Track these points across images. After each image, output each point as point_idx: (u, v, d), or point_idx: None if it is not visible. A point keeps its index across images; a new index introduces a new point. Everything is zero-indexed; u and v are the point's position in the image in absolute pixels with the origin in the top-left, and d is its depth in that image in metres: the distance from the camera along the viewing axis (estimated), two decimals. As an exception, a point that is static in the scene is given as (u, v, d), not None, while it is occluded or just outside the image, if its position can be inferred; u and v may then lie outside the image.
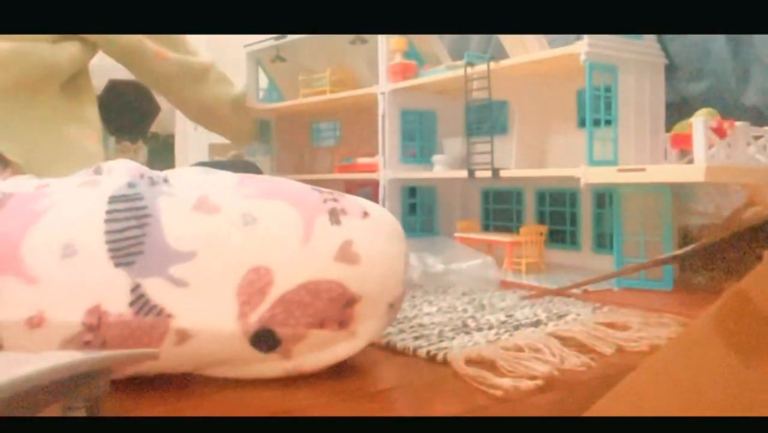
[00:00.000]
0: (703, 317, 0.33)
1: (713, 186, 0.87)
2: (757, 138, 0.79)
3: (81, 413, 0.35)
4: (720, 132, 0.75)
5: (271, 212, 0.45)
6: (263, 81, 1.50)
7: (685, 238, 0.87)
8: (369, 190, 1.23)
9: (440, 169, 1.09)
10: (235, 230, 0.43)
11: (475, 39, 1.29)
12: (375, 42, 1.16)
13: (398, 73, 1.12)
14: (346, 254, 0.45)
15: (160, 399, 0.42)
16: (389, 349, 0.55)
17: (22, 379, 0.30)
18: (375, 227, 0.47)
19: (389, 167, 1.13)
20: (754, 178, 0.78)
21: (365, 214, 0.47)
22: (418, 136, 1.17)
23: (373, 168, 1.16)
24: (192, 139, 2.39)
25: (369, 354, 0.54)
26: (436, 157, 1.10)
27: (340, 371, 0.47)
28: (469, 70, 0.99)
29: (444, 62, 1.15)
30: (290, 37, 1.33)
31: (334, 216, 0.46)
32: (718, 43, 0.96)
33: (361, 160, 1.22)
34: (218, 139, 2.32)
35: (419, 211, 1.17)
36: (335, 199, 0.47)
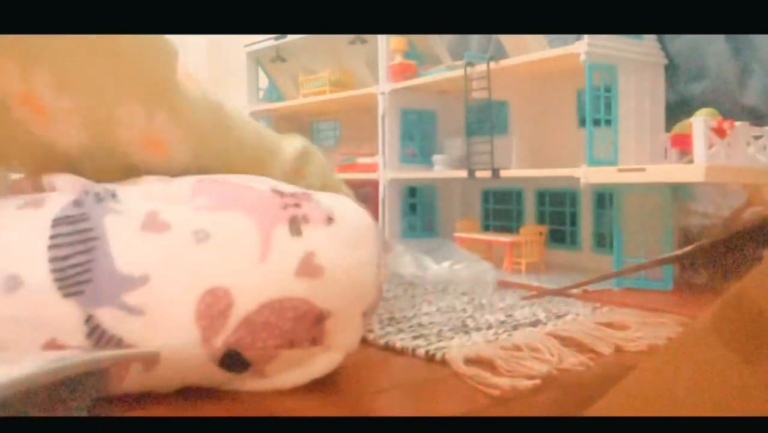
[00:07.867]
0: (703, 317, 0.33)
1: (713, 186, 0.87)
2: (757, 138, 0.79)
3: (81, 413, 0.35)
4: (720, 132, 0.75)
5: (225, 226, 0.42)
6: (263, 81, 1.50)
7: (685, 238, 0.87)
8: (369, 190, 1.23)
9: (440, 169, 1.09)
10: (188, 249, 0.41)
11: (475, 39, 1.28)
12: (375, 42, 1.16)
13: (398, 73, 1.12)
14: (308, 268, 0.41)
15: (159, 399, 0.42)
16: (389, 349, 0.55)
17: (20, 379, 0.30)
18: (340, 233, 0.44)
19: (389, 167, 1.13)
20: (754, 178, 0.78)
21: (329, 219, 0.44)
22: (418, 136, 1.17)
23: (373, 168, 1.16)
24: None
25: (369, 354, 0.54)
26: (436, 157, 1.10)
27: (339, 370, 0.47)
28: (469, 70, 0.99)
29: (444, 62, 1.15)
30: (290, 37, 1.33)
31: (295, 225, 0.42)
32: (718, 43, 0.96)
33: (361, 160, 1.22)
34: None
35: (419, 211, 1.17)
36: (297, 204, 0.44)
